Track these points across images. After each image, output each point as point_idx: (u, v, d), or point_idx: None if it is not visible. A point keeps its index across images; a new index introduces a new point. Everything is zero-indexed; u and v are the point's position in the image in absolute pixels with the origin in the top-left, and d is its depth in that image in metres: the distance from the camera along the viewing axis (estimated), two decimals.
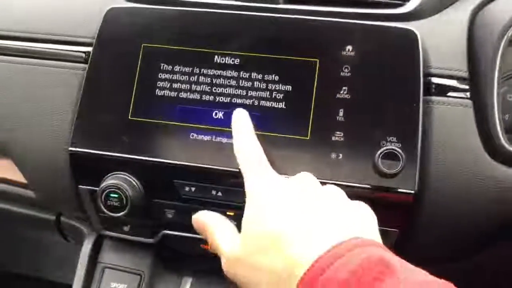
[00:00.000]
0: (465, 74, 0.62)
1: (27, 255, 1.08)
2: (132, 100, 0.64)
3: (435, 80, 0.62)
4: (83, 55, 0.68)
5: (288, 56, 0.63)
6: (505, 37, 0.61)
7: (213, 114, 0.63)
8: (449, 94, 0.62)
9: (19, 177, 0.72)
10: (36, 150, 0.69)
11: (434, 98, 0.62)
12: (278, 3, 0.68)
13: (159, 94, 0.64)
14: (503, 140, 0.59)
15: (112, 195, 0.62)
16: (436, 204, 0.61)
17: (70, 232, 0.78)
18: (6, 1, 0.75)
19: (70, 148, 0.64)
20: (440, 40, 0.64)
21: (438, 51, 0.63)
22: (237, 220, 0.62)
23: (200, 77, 0.64)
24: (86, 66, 0.66)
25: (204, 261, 0.69)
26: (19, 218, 0.79)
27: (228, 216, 0.63)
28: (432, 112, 0.61)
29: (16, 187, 0.75)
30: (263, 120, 0.62)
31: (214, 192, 0.63)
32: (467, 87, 0.62)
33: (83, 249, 0.72)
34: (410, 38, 0.62)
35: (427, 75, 0.62)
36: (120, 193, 0.62)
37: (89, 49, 0.67)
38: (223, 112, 0.63)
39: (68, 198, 0.68)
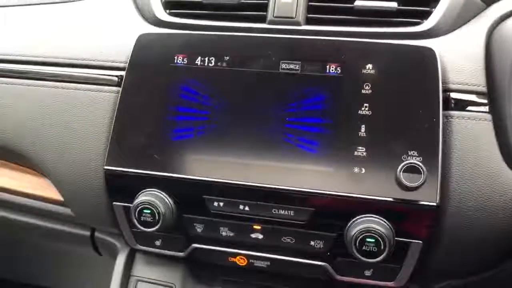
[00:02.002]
0: (483, 88, 0.64)
1: (60, 270, 1.11)
2: (163, 120, 0.67)
3: (454, 95, 0.64)
4: (116, 78, 0.72)
5: (311, 74, 0.66)
6: None
7: (242, 130, 0.66)
8: (468, 108, 0.64)
9: (56, 195, 0.77)
10: (71, 170, 0.73)
11: (453, 112, 0.64)
12: (300, 25, 0.71)
13: (189, 113, 0.67)
14: None
15: (145, 211, 0.65)
16: (458, 216, 0.62)
17: (103, 247, 0.82)
18: (43, 31, 0.80)
19: (105, 167, 0.68)
20: (458, 56, 0.66)
21: (457, 67, 0.65)
22: (263, 233, 0.65)
23: (231, 95, 0.67)
24: (120, 89, 0.70)
25: (233, 272, 0.72)
26: (55, 234, 0.83)
27: (255, 230, 0.66)
28: (452, 126, 0.63)
29: (53, 204, 0.79)
30: (288, 135, 0.64)
31: (241, 207, 0.65)
32: (485, 101, 0.64)
33: (117, 263, 0.75)
34: (429, 55, 0.64)
35: (446, 90, 0.64)
36: (153, 209, 0.65)
37: (122, 73, 0.71)
38: (250, 126, 0.65)
39: (103, 215, 0.72)
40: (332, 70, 0.65)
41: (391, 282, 0.65)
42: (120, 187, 0.68)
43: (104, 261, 0.84)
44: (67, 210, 0.77)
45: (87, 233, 0.80)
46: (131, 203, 0.66)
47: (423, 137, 0.62)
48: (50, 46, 0.77)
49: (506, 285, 0.71)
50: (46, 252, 1.04)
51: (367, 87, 0.64)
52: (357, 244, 0.60)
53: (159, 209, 0.65)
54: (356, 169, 0.62)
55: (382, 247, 0.60)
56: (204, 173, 0.65)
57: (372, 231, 0.60)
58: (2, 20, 0.84)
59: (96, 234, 0.80)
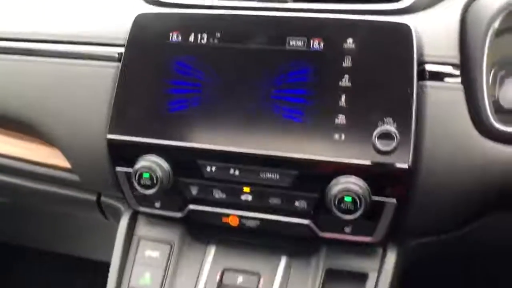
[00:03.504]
0: (457, 61, 0.69)
1: (68, 235, 1.19)
2: (160, 93, 0.73)
3: (429, 67, 0.69)
4: (117, 55, 0.78)
5: (296, 49, 0.71)
6: (492, 27, 0.68)
7: (232, 102, 0.71)
8: (442, 79, 0.69)
9: (64, 163, 0.83)
10: (78, 140, 0.80)
11: (428, 83, 0.69)
12: (286, 2, 0.76)
13: (184, 86, 0.73)
14: (491, 118, 0.66)
15: (144, 175, 0.72)
16: (430, 178, 0.68)
17: (109, 210, 0.89)
18: (45, 10, 0.86)
19: (108, 136, 0.74)
20: (434, 31, 0.71)
21: (432, 40, 0.70)
22: (252, 195, 0.72)
23: (222, 70, 0.72)
24: (119, 64, 0.76)
25: (226, 231, 0.79)
26: (64, 199, 0.90)
27: (245, 192, 0.72)
28: (426, 96, 0.68)
29: (62, 171, 0.85)
30: (275, 106, 0.70)
31: (232, 171, 0.72)
32: (458, 72, 0.69)
33: (121, 224, 0.82)
34: (404, 31, 0.68)
35: (422, 62, 0.69)
36: (151, 173, 0.71)
37: (122, 49, 0.76)
38: (239, 99, 0.71)
39: (108, 180, 0.79)
40: (316, 45, 0.70)
41: (369, 238, 0.71)
42: (122, 154, 0.75)
43: (108, 227, 0.90)
44: (74, 177, 0.84)
45: (94, 197, 0.87)
46: (132, 168, 0.73)
47: (398, 105, 0.67)
48: (51, 25, 0.83)
49: (475, 243, 0.77)
50: (54, 218, 1.11)
51: (347, 60, 0.69)
52: (336, 202, 0.66)
53: (157, 173, 0.72)
54: (336, 136, 0.68)
55: (358, 205, 0.66)
56: (197, 141, 0.71)
57: (349, 191, 0.66)
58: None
59: (102, 198, 0.87)
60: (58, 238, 1.22)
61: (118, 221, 0.85)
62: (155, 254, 0.80)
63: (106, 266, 0.82)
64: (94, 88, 0.78)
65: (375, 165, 0.66)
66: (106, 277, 0.81)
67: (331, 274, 0.74)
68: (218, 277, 0.76)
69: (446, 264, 0.83)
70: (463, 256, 0.82)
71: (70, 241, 1.22)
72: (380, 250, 0.74)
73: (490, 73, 0.68)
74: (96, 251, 1.19)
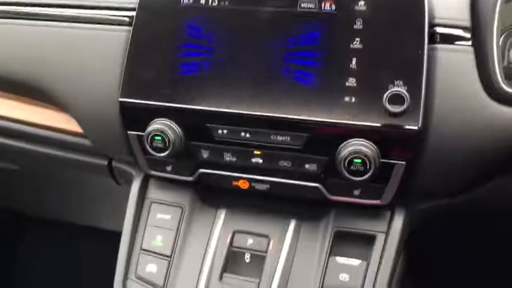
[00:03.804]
0: (467, 24, 0.69)
1: (78, 204, 1.21)
2: (171, 56, 0.74)
3: (440, 29, 0.69)
4: (127, 19, 0.78)
5: (308, 11, 0.71)
6: None
7: (243, 64, 0.72)
8: (453, 42, 0.69)
9: (76, 127, 0.84)
10: (90, 104, 0.80)
11: (439, 46, 0.69)
12: None
13: (195, 49, 0.73)
14: (501, 81, 0.66)
15: (156, 138, 0.73)
16: (439, 141, 0.68)
17: (120, 175, 0.90)
18: None
19: (120, 99, 0.75)
20: None
21: (443, 3, 0.70)
22: (263, 158, 0.73)
23: (233, 32, 0.72)
24: (131, 28, 0.76)
25: (236, 195, 0.80)
26: (75, 164, 0.91)
27: (255, 155, 0.73)
28: (437, 58, 0.68)
29: (74, 136, 0.86)
30: (286, 68, 0.70)
31: (243, 134, 0.72)
32: (469, 35, 0.69)
33: (133, 187, 0.83)
34: None
35: (433, 25, 0.69)
36: (163, 136, 0.72)
37: (133, 13, 0.77)
38: (251, 61, 0.71)
39: (119, 144, 0.80)
40: (327, 7, 0.70)
41: (377, 200, 0.72)
42: (134, 117, 0.76)
43: (119, 195, 0.92)
44: (86, 141, 0.85)
45: (105, 162, 0.88)
46: (144, 132, 0.74)
47: (408, 68, 0.67)
48: None
49: (482, 207, 0.78)
50: (65, 186, 1.13)
51: (359, 22, 0.69)
52: (346, 164, 0.67)
53: (169, 136, 0.72)
54: (346, 98, 0.68)
55: (368, 167, 0.67)
56: (209, 104, 0.72)
57: (359, 153, 0.67)
58: None
59: (113, 163, 0.88)
60: (68, 207, 1.23)
61: (129, 186, 0.86)
62: (166, 217, 0.81)
63: (117, 234, 0.83)
64: (105, 52, 0.78)
65: (385, 127, 0.67)
66: (117, 245, 0.83)
67: (339, 236, 0.76)
68: (228, 239, 0.78)
69: (453, 227, 0.85)
70: (469, 220, 0.83)
71: (80, 210, 1.24)
72: (388, 213, 0.76)
73: (500, 37, 0.69)
74: (106, 220, 1.21)
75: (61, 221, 1.29)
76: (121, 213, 0.84)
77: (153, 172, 0.80)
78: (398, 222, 0.75)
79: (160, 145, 0.73)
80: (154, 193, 0.84)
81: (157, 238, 0.81)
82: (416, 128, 0.66)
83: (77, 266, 1.48)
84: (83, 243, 1.41)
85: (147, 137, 0.73)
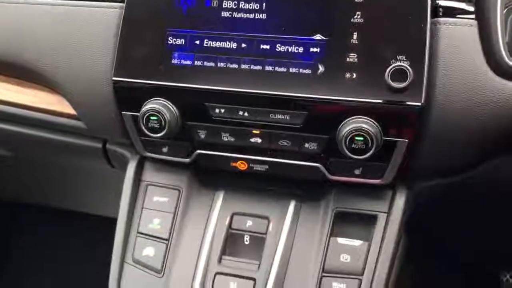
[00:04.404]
0: None
1: (74, 191, 1.19)
2: (166, 33, 0.71)
3: (442, 3, 0.67)
4: None
5: None
6: None
7: (239, 43, 0.69)
8: (456, 15, 0.67)
9: (69, 109, 0.82)
10: (82, 83, 0.78)
11: (441, 19, 0.67)
12: None
13: (189, 27, 0.71)
14: (505, 56, 0.64)
15: (152, 117, 0.71)
16: (442, 115, 0.67)
17: (115, 158, 0.88)
18: None
19: (114, 78, 0.73)
20: None
21: None
22: (262, 137, 0.71)
23: (228, 8, 0.69)
24: (123, 5, 0.74)
25: (235, 177, 0.78)
26: (70, 148, 0.89)
27: (254, 135, 0.71)
28: (440, 33, 0.66)
29: (67, 118, 0.84)
30: (285, 44, 0.68)
31: (241, 113, 0.70)
32: (472, 9, 0.67)
33: (128, 170, 0.81)
34: None
35: None
36: (159, 115, 0.70)
37: None
38: (247, 41, 0.69)
39: (114, 125, 0.78)
40: None
41: (379, 180, 0.71)
42: (128, 97, 0.73)
43: (115, 182, 0.90)
44: (80, 124, 0.82)
45: (99, 145, 0.86)
46: (139, 112, 0.72)
47: (411, 42, 0.65)
48: None
49: (484, 187, 0.77)
50: (60, 173, 1.11)
51: None
52: (347, 142, 0.66)
53: (165, 116, 0.70)
54: (347, 75, 0.66)
55: (369, 145, 0.65)
56: (205, 82, 0.70)
57: (361, 130, 0.65)
58: None
59: (108, 146, 0.86)
60: (63, 194, 1.21)
61: (124, 169, 0.84)
62: (163, 199, 0.80)
63: (114, 221, 0.82)
64: (97, 30, 0.76)
65: (388, 103, 0.65)
66: (114, 231, 0.81)
67: (340, 217, 0.74)
68: (227, 222, 0.76)
69: (453, 208, 0.84)
70: (470, 200, 0.82)
71: (76, 197, 1.22)
72: (390, 193, 0.74)
73: (504, 10, 0.67)
74: (103, 207, 1.19)
75: (56, 208, 1.27)
76: (118, 200, 0.82)
77: (149, 154, 0.78)
78: (399, 201, 0.74)
79: (156, 125, 0.71)
80: (150, 175, 0.82)
81: (154, 221, 0.79)
82: (419, 104, 0.64)
83: (74, 253, 1.47)
84: (79, 230, 1.40)
85: (142, 118, 0.71)
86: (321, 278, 0.72)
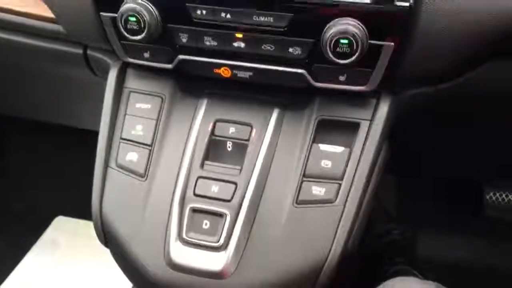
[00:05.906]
0: None
1: (59, 104, 1.17)
2: None
3: None
4: None
5: None
6: None
7: None
8: None
9: (47, 12, 0.79)
10: None
11: None
12: None
13: None
14: None
15: (130, 18, 0.68)
16: (430, 18, 0.65)
17: (96, 66, 0.86)
18: None
19: None
20: None
21: None
22: (245, 41, 0.69)
23: None
24: None
25: (218, 85, 0.77)
26: (50, 54, 0.86)
27: (237, 38, 0.69)
28: None
29: (47, 22, 0.81)
30: None
31: (223, 14, 0.68)
32: None
33: (110, 77, 0.79)
34: None
35: None
36: (138, 16, 0.68)
37: None
38: None
39: (92, 28, 0.75)
40: None
41: (364, 86, 0.70)
42: None
43: (98, 91, 0.88)
44: (58, 27, 0.80)
45: (80, 51, 0.84)
46: (117, 13, 0.69)
47: None
48: None
49: (470, 96, 0.76)
50: (44, 85, 1.08)
51: None
52: (332, 45, 0.64)
53: (144, 17, 0.68)
54: None
55: (355, 48, 0.63)
56: None
57: (346, 33, 0.63)
58: None
59: (89, 52, 0.84)
60: (45, 105, 1.20)
61: (107, 77, 0.82)
62: (146, 106, 0.78)
63: (96, 133, 0.81)
64: None
65: (375, 3, 0.63)
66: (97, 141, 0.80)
67: (323, 124, 0.74)
68: (210, 128, 0.76)
69: (438, 119, 0.84)
70: (456, 112, 0.82)
71: (57, 108, 1.20)
72: (374, 101, 0.73)
73: None
74: (85, 120, 1.18)
75: (38, 120, 1.26)
76: (100, 112, 0.81)
77: (130, 60, 0.76)
78: (383, 109, 0.73)
79: (135, 27, 0.68)
80: (132, 82, 0.80)
81: (137, 128, 0.78)
82: (407, 4, 0.62)
83: (58, 164, 1.49)
84: (62, 142, 1.41)
85: (121, 18, 0.68)
86: (301, 183, 0.73)
